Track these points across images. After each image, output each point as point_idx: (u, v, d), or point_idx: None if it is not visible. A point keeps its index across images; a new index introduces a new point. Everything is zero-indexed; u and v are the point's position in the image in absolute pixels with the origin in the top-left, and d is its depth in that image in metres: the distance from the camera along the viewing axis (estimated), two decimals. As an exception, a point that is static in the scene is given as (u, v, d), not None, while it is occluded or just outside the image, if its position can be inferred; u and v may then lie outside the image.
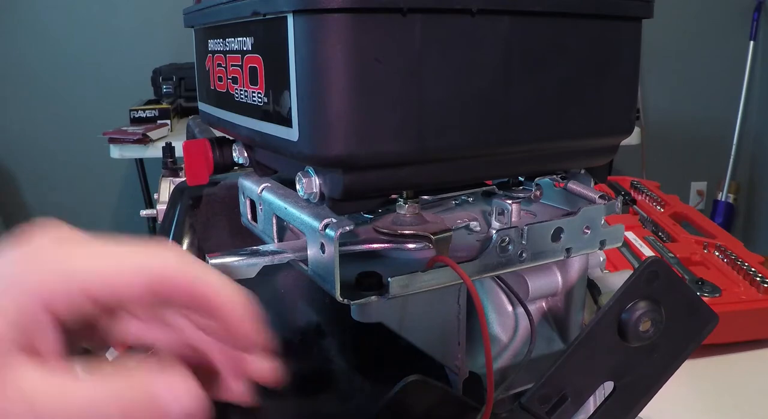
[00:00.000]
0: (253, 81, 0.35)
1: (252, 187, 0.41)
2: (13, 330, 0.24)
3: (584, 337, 0.29)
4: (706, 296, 0.78)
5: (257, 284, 0.42)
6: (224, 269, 0.35)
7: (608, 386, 0.32)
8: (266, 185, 0.40)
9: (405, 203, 0.37)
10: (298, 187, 0.33)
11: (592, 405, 0.35)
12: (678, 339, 0.31)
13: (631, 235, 0.96)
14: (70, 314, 0.25)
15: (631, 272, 0.50)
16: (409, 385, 0.28)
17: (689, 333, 0.31)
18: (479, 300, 0.31)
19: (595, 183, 0.41)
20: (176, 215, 0.46)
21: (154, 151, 1.95)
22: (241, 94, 0.36)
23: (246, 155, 0.42)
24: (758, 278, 0.81)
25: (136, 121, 2.12)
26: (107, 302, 0.26)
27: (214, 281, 0.27)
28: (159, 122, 2.10)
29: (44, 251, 0.27)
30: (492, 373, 0.29)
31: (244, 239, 0.42)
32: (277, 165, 0.40)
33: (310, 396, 0.39)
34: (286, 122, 0.32)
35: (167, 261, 0.27)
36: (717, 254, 0.91)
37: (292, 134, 0.31)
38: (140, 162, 2.30)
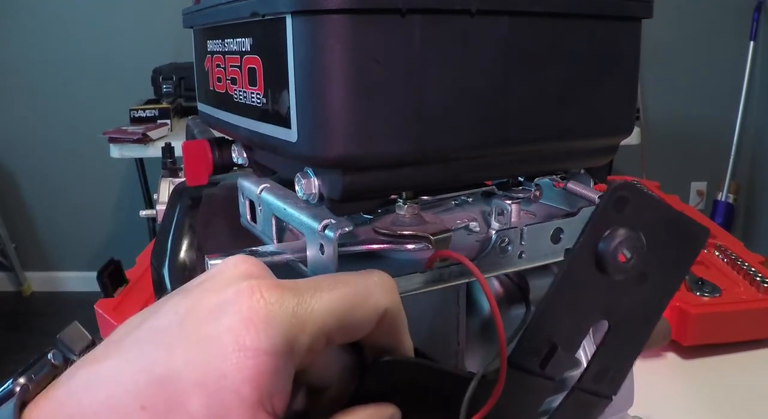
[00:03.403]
0: (252, 82, 0.35)
1: (251, 187, 0.41)
2: (262, 394, 0.22)
3: (561, 280, 0.27)
4: (706, 296, 0.78)
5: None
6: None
7: (605, 325, 0.31)
8: (265, 185, 0.40)
9: (404, 204, 0.37)
10: (297, 188, 0.33)
11: (589, 348, 0.34)
12: (667, 262, 0.29)
13: (631, 235, 0.96)
14: (307, 359, 0.24)
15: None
16: (380, 366, 0.27)
17: (679, 254, 0.29)
18: (486, 285, 0.30)
19: (595, 183, 0.41)
20: (176, 216, 0.46)
21: (154, 151, 1.95)
22: (240, 94, 0.36)
23: (245, 155, 0.42)
24: (758, 278, 0.81)
25: (136, 120, 2.12)
26: (338, 342, 0.25)
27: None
28: (159, 121, 2.10)
29: (271, 297, 0.24)
30: (504, 342, 0.28)
31: (243, 240, 0.42)
32: (276, 166, 0.40)
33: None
34: (285, 122, 0.32)
35: (390, 296, 0.26)
36: (717, 254, 0.91)
37: (291, 134, 0.31)
38: (140, 162, 2.31)
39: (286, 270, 0.40)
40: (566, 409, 0.30)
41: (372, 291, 0.26)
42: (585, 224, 0.28)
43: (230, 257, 0.26)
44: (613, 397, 0.43)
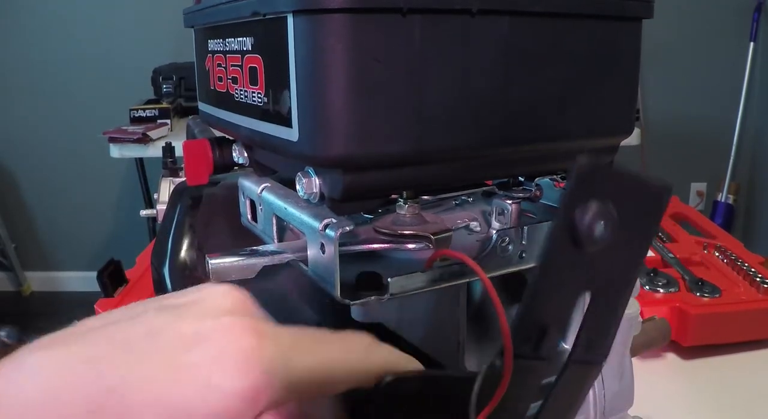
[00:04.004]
0: (253, 81, 0.35)
1: (252, 187, 0.41)
2: None
3: (544, 262, 0.28)
4: (706, 296, 0.78)
5: (257, 284, 0.42)
6: (224, 269, 0.35)
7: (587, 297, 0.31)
8: (266, 185, 0.40)
9: (405, 204, 0.37)
10: (298, 187, 0.33)
11: (576, 321, 0.34)
12: (636, 226, 0.30)
13: (631, 235, 0.96)
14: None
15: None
16: (383, 389, 0.27)
17: (646, 215, 0.30)
18: (487, 280, 0.30)
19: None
20: (176, 215, 0.46)
21: (154, 150, 1.95)
22: (240, 94, 0.36)
23: (246, 155, 0.42)
24: (758, 279, 0.81)
25: (136, 120, 2.12)
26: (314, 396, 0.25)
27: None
28: (159, 121, 2.10)
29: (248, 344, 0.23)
30: (509, 335, 0.28)
31: (244, 239, 0.42)
32: (277, 165, 0.40)
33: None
34: (286, 122, 0.32)
35: (372, 360, 0.26)
36: (717, 254, 0.91)
37: (292, 134, 0.31)
38: (140, 162, 2.31)
39: (285, 270, 0.40)
40: (565, 383, 0.30)
41: (352, 357, 0.26)
42: (560, 201, 0.29)
43: (221, 285, 0.25)
44: (615, 394, 0.43)
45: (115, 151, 2.01)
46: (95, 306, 0.77)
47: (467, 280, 0.36)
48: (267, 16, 0.32)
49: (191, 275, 0.44)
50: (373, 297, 0.33)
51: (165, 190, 0.94)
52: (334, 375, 0.25)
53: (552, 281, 0.28)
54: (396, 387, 0.27)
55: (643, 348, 0.62)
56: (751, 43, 2.62)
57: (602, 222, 0.28)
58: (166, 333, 0.23)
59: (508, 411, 0.28)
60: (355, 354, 0.26)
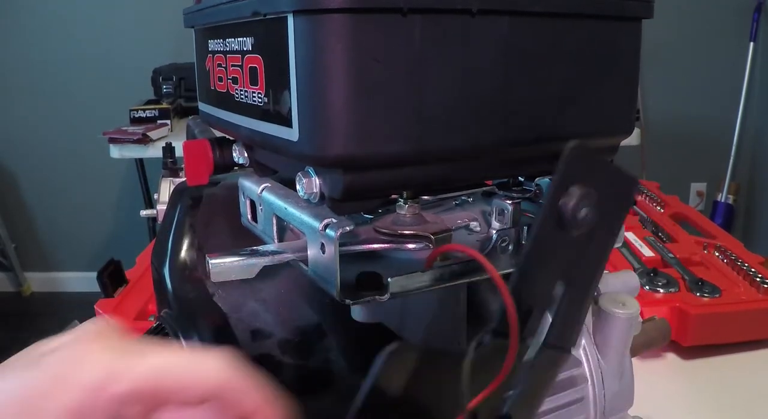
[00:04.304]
0: (253, 81, 0.35)
1: (252, 187, 0.41)
2: None
3: (533, 242, 0.29)
4: (706, 296, 0.78)
5: (257, 284, 0.42)
6: (224, 269, 0.35)
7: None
8: (266, 185, 0.40)
9: (405, 203, 0.37)
10: (298, 187, 0.33)
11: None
12: (610, 215, 0.30)
13: (631, 235, 0.96)
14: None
15: (631, 272, 0.50)
16: (389, 356, 0.27)
17: (618, 206, 0.31)
18: (491, 267, 0.30)
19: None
20: (176, 216, 0.46)
21: (154, 151, 1.95)
22: (241, 94, 0.36)
23: (246, 155, 0.42)
24: (758, 279, 0.81)
25: (136, 121, 2.12)
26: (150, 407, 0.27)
27: (261, 398, 0.28)
28: (159, 121, 2.10)
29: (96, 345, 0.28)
30: (516, 318, 0.28)
31: (244, 239, 0.42)
32: (277, 165, 0.40)
33: (310, 396, 0.39)
34: (286, 122, 0.32)
35: (222, 377, 0.28)
36: (717, 254, 0.91)
37: (292, 134, 0.31)
38: (140, 162, 2.30)
39: (285, 270, 0.40)
40: (540, 367, 0.31)
41: (200, 368, 0.28)
42: (548, 186, 0.29)
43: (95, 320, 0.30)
44: (614, 394, 0.43)
45: (115, 151, 2.01)
46: (95, 306, 0.77)
47: (467, 280, 0.36)
48: (267, 16, 0.32)
49: (191, 275, 0.44)
50: (373, 297, 0.33)
51: (165, 190, 0.94)
52: (181, 383, 0.27)
53: (538, 263, 0.29)
54: (402, 357, 0.27)
55: (643, 348, 0.62)
56: (751, 43, 2.62)
57: (586, 206, 0.29)
58: (35, 349, 0.28)
59: (493, 394, 0.29)
60: (205, 366, 0.28)
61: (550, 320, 0.31)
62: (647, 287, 0.79)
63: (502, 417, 0.30)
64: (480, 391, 0.28)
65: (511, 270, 0.37)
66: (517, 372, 0.30)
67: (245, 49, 0.35)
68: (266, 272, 0.36)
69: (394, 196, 0.38)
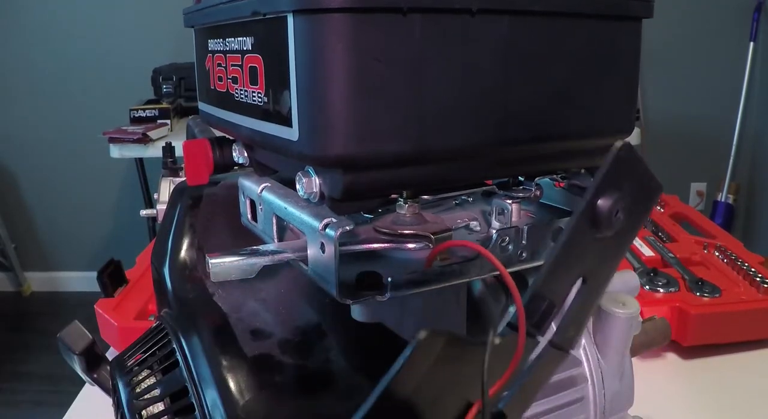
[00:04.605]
0: (253, 81, 0.35)
1: (252, 187, 0.41)
2: None
3: (567, 239, 0.29)
4: (706, 296, 0.78)
5: (257, 284, 0.42)
6: (224, 269, 0.35)
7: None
8: (266, 184, 0.40)
9: (405, 203, 0.37)
10: (298, 187, 0.33)
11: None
12: (635, 218, 0.30)
13: (631, 235, 0.96)
14: None
15: (631, 272, 0.50)
16: (422, 342, 0.27)
17: (642, 209, 0.31)
18: (495, 260, 0.30)
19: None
20: (176, 215, 0.46)
21: (154, 151, 1.95)
22: (241, 94, 0.36)
23: (246, 154, 0.42)
24: (758, 279, 0.81)
25: (136, 120, 2.12)
26: None
27: None
28: (159, 121, 2.10)
29: None
30: (523, 313, 0.28)
31: (244, 239, 0.42)
32: (277, 165, 0.40)
33: (310, 396, 0.39)
34: (286, 121, 0.32)
35: None
36: (717, 254, 0.91)
37: (292, 133, 0.31)
38: (140, 162, 2.31)
39: (285, 270, 0.40)
40: (541, 365, 0.31)
41: None
42: (588, 186, 0.29)
43: None
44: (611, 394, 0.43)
45: (115, 151, 2.01)
46: (95, 306, 0.77)
47: (467, 280, 0.36)
48: (267, 16, 0.32)
49: (191, 275, 0.44)
50: (373, 297, 0.33)
51: (165, 190, 0.94)
52: None
53: (566, 262, 0.29)
54: (435, 344, 0.27)
55: (643, 348, 0.62)
56: (751, 43, 2.62)
57: (621, 208, 0.29)
58: None
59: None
60: None
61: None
62: (647, 287, 0.79)
63: (497, 415, 0.29)
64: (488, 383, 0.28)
65: (516, 269, 0.37)
66: (521, 369, 0.30)
67: (245, 48, 0.35)
68: (266, 272, 0.36)
69: (394, 196, 0.38)
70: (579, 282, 0.30)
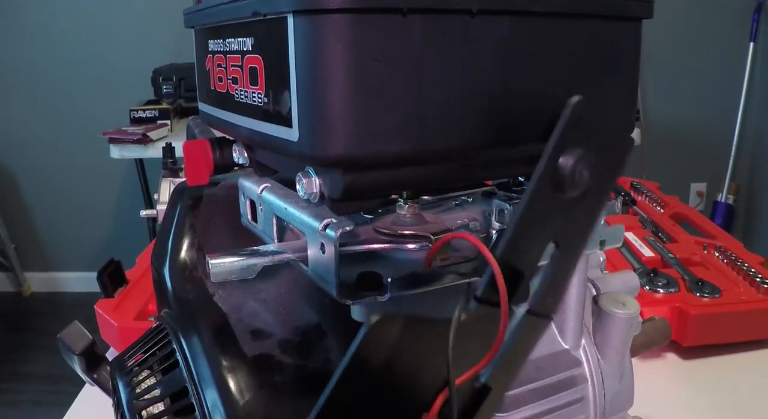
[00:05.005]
0: (253, 81, 0.35)
1: (252, 187, 0.41)
2: None
3: (528, 204, 0.27)
4: (706, 296, 0.78)
5: (257, 284, 0.42)
6: (224, 269, 0.35)
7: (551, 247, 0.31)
8: (266, 185, 0.40)
9: (405, 203, 0.37)
10: (298, 187, 0.33)
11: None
12: (603, 176, 0.29)
13: (631, 235, 0.96)
14: None
15: (631, 272, 0.50)
16: (373, 330, 0.26)
17: (611, 167, 0.30)
18: (486, 249, 0.29)
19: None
20: (176, 216, 0.46)
21: (154, 151, 1.95)
22: (241, 94, 0.36)
23: (246, 155, 0.42)
24: (758, 279, 0.81)
25: (136, 121, 2.12)
26: None
27: None
28: (159, 122, 2.10)
29: None
30: (504, 287, 0.27)
31: (244, 239, 0.42)
32: (278, 165, 0.40)
33: (310, 396, 0.39)
34: (286, 122, 0.32)
35: None
36: (717, 254, 0.91)
37: (292, 134, 0.31)
38: (140, 162, 2.31)
39: (285, 270, 0.40)
40: (521, 334, 0.30)
41: None
42: (546, 145, 0.28)
43: None
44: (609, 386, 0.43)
45: (115, 151, 2.01)
46: (95, 307, 0.77)
47: (467, 280, 0.36)
48: (267, 17, 0.32)
49: (191, 275, 0.44)
50: (373, 297, 0.33)
51: (165, 190, 0.94)
52: None
53: (532, 226, 0.28)
54: (387, 329, 0.26)
55: (643, 348, 0.62)
56: (751, 44, 2.62)
57: (584, 167, 0.28)
58: None
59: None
60: None
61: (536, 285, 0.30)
62: (647, 287, 0.79)
63: (481, 389, 0.29)
64: (464, 360, 0.27)
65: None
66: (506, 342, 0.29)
67: (245, 49, 0.35)
68: (266, 272, 0.36)
69: (394, 196, 0.38)
70: (552, 247, 0.30)
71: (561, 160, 0.27)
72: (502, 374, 0.29)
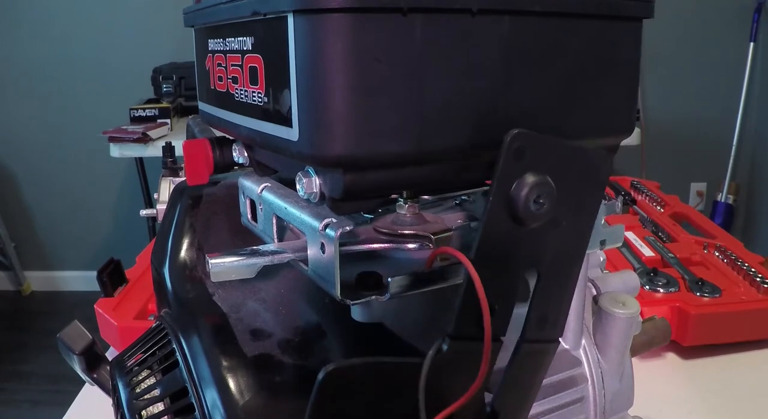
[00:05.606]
0: (253, 81, 0.35)
1: (252, 187, 0.41)
2: None
3: (481, 240, 0.26)
4: (706, 296, 0.78)
5: (257, 284, 0.42)
6: (224, 269, 0.35)
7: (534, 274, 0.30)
8: (266, 184, 0.40)
9: (405, 203, 0.37)
10: (298, 187, 0.33)
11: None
12: (577, 199, 0.28)
13: (631, 235, 0.96)
14: None
15: (631, 272, 0.50)
16: (327, 378, 0.26)
17: (587, 187, 0.29)
18: (475, 275, 0.29)
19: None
20: (176, 215, 0.46)
21: (154, 150, 1.95)
22: (241, 93, 0.36)
23: (246, 154, 0.42)
24: (758, 279, 0.81)
25: (136, 120, 2.12)
26: None
27: None
28: (159, 121, 2.10)
29: None
30: (489, 324, 0.27)
31: (244, 239, 0.42)
32: (277, 165, 0.40)
33: (309, 396, 0.39)
34: (286, 121, 0.32)
35: None
36: (717, 254, 0.91)
37: (292, 133, 0.31)
38: (140, 161, 2.31)
39: (285, 270, 0.40)
40: (519, 363, 0.30)
41: None
42: (491, 180, 0.27)
43: None
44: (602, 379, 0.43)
45: (115, 150, 2.01)
46: (95, 306, 0.78)
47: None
48: (267, 16, 0.32)
49: (191, 275, 0.44)
50: (373, 297, 0.33)
51: (165, 190, 0.94)
52: None
53: (491, 257, 0.27)
54: (345, 377, 0.26)
55: (643, 348, 0.62)
56: (751, 44, 2.62)
57: (541, 196, 0.27)
58: None
59: (469, 400, 0.28)
60: None
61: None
62: (647, 287, 0.79)
63: (490, 414, 0.29)
64: (452, 396, 0.27)
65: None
66: (490, 373, 0.29)
67: (245, 48, 0.35)
68: (266, 272, 0.36)
69: (394, 196, 0.38)
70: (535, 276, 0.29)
71: (512, 191, 0.27)
72: (511, 399, 0.29)
